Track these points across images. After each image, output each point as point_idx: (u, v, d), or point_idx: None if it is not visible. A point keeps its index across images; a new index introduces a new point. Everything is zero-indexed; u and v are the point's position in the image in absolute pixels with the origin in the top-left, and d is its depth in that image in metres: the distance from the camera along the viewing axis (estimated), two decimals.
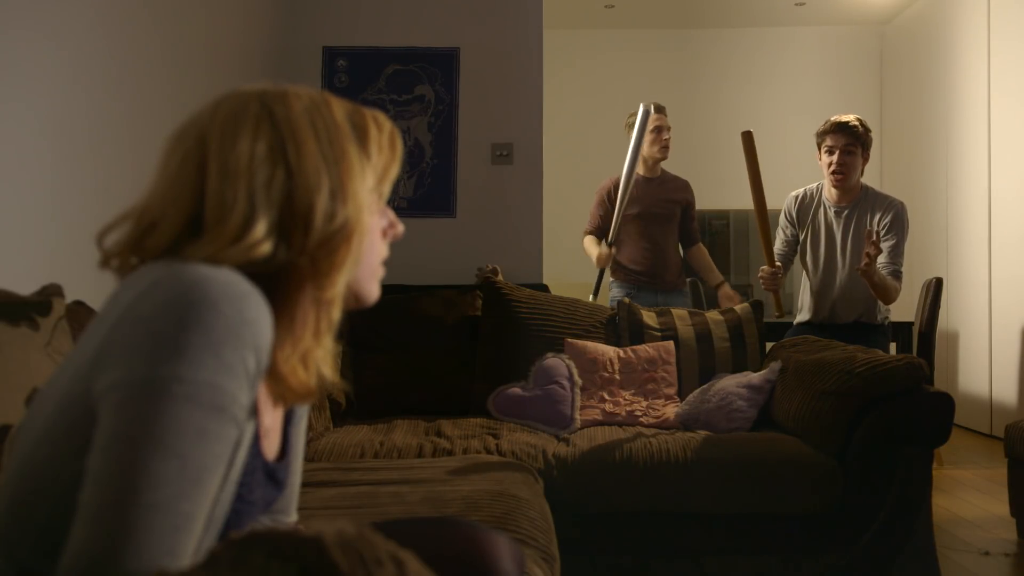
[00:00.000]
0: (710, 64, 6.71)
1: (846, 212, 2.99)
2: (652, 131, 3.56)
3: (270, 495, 0.87)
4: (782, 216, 3.17)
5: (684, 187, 3.75)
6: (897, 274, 2.90)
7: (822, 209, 3.05)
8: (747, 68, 6.69)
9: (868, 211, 2.96)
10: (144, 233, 0.76)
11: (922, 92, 5.77)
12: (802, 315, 3.15)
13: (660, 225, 3.63)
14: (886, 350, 3.06)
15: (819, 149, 3.02)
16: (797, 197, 3.12)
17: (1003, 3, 4.75)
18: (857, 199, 2.98)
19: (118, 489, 0.61)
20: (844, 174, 2.93)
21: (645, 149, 3.56)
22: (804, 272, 3.13)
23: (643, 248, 3.61)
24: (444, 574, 0.66)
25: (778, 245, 3.12)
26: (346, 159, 0.80)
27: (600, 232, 3.67)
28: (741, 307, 2.93)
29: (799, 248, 3.11)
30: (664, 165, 3.74)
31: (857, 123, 2.94)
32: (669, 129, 3.64)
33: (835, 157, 2.93)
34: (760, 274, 2.94)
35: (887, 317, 3.10)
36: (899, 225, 2.93)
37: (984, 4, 4.93)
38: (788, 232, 3.13)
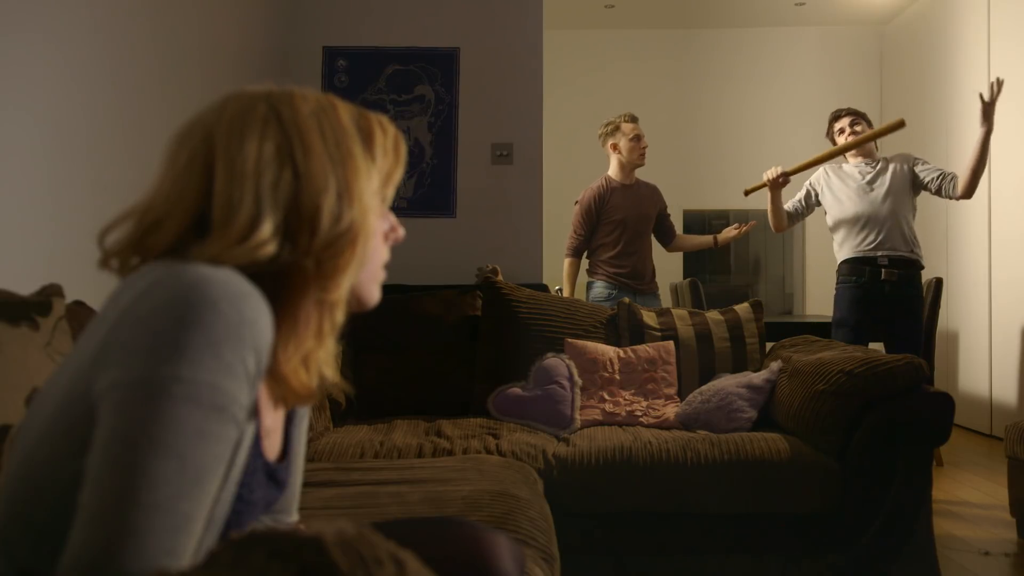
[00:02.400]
0: (710, 64, 6.71)
1: (873, 165, 3.43)
2: (631, 139, 3.71)
3: (271, 495, 0.87)
4: (807, 185, 3.59)
5: (656, 194, 3.89)
6: (948, 173, 3.35)
7: (850, 172, 3.45)
8: (747, 68, 6.69)
9: (889, 162, 3.42)
10: (146, 232, 0.76)
11: (922, 92, 5.77)
12: (846, 253, 3.41)
13: (639, 231, 3.75)
14: (921, 297, 3.40)
15: (834, 138, 3.56)
16: (822, 176, 3.54)
17: (1003, 3, 4.75)
18: (876, 159, 3.46)
19: (118, 489, 0.60)
20: (861, 143, 3.41)
21: (625, 156, 3.73)
22: (832, 230, 3.50)
23: (625, 252, 3.70)
24: (444, 574, 0.66)
25: (792, 202, 3.60)
26: (352, 161, 0.80)
27: (581, 252, 3.78)
28: (741, 307, 2.93)
29: (830, 207, 3.48)
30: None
31: (853, 108, 3.59)
32: (645, 136, 3.78)
33: (847, 131, 3.49)
34: (771, 170, 3.47)
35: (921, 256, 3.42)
36: (917, 158, 3.44)
37: (984, 4, 4.93)
38: (807, 198, 3.57)
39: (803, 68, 6.65)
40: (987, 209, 4.87)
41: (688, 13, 6.40)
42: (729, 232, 3.89)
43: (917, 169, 3.36)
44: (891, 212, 3.30)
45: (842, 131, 3.50)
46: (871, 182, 3.36)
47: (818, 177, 3.55)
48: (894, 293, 3.28)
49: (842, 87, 6.50)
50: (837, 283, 3.46)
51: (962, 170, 3.31)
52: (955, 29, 5.30)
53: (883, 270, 3.28)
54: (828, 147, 3.56)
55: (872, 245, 3.31)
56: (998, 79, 3.21)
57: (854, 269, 3.35)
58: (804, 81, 6.61)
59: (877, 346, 3.54)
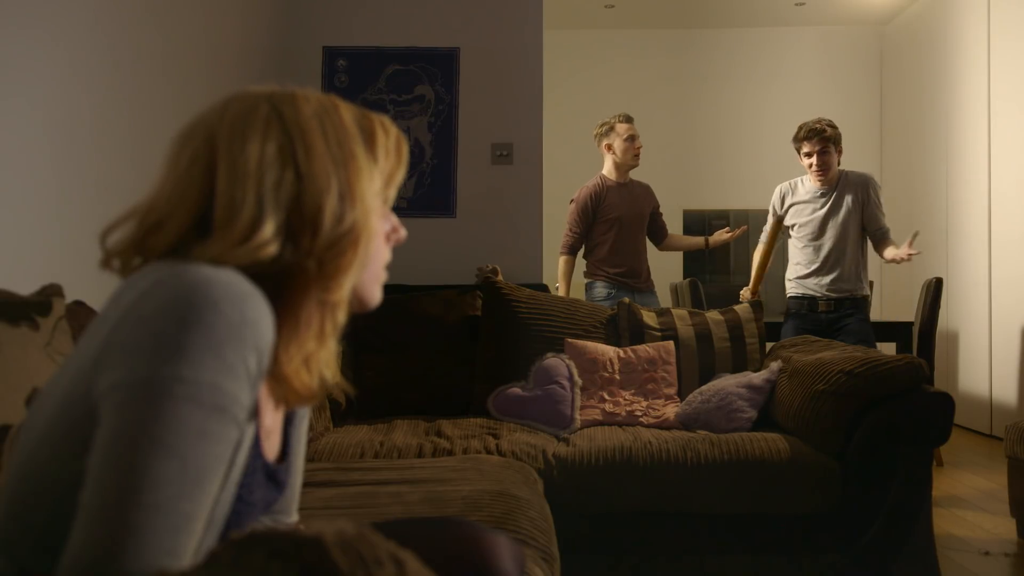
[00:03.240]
0: (710, 64, 6.70)
1: (829, 194, 3.45)
2: (626, 140, 3.75)
3: (270, 496, 0.87)
4: (771, 206, 3.66)
5: (649, 193, 3.93)
6: (886, 231, 3.44)
7: (807, 196, 3.50)
8: (747, 68, 6.69)
9: (844, 191, 3.43)
10: (148, 232, 0.76)
11: (922, 92, 5.77)
12: (793, 288, 3.54)
13: (634, 229, 3.79)
14: (868, 321, 3.50)
15: (798, 153, 3.50)
16: (782, 189, 3.61)
17: (1003, 3, 4.75)
18: (835, 183, 3.47)
19: (119, 489, 0.60)
20: (825, 172, 3.42)
21: (619, 157, 3.77)
22: (791, 253, 3.60)
23: (621, 250, 3.74)
24: (444, 574, 0.66)
25: (767, 229, 3.68)
26: (354, 162, 0.80)
27: (576, 250, 3.80)
28: (741, 307, 2.93)
29: (787, 230, 3.61)
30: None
31: (825, 127, 3.41)
32: (639, 137, 3.80)
33: (814, 159, 3.41)
34: (742, 298, 3.55)
35: (868, 294, 3.54)
36: (872, 194, 3.44)
37: (984, 4, 4.93)
38: (774, 219, 3.65)
39: (803, 68, 6.64)
40: (987, 209, 4.87)
41: (688, 13, 6.40)
42: (721, 235, 3.94)
43: (867, 212, 3.40)
44: (838, 258, 3.41)
45: (809, 155, 3.39)
46: (823, 225, 3.42)
47: (774, 205, 3.61)
48: (832, 315, 3.43)
49: (842, 87, 6.50)
50: (784, 313, 3.62)
51: (890, 250, 3.38)
52: (955, 29, 5.30)
53: (820, 303, 3.44)
54: (797, 159, 3.60)
55: (815, 285, 3.46)
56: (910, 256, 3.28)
57: (796, 304, 3.51)
58: (804, 81, 6.60)
59: (888, 347, 3.68)
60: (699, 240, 4.07)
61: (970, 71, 5.08)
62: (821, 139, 3.37)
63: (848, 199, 3.40)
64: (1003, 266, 4.70)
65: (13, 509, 0.70)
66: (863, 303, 3.47)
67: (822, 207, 3.43)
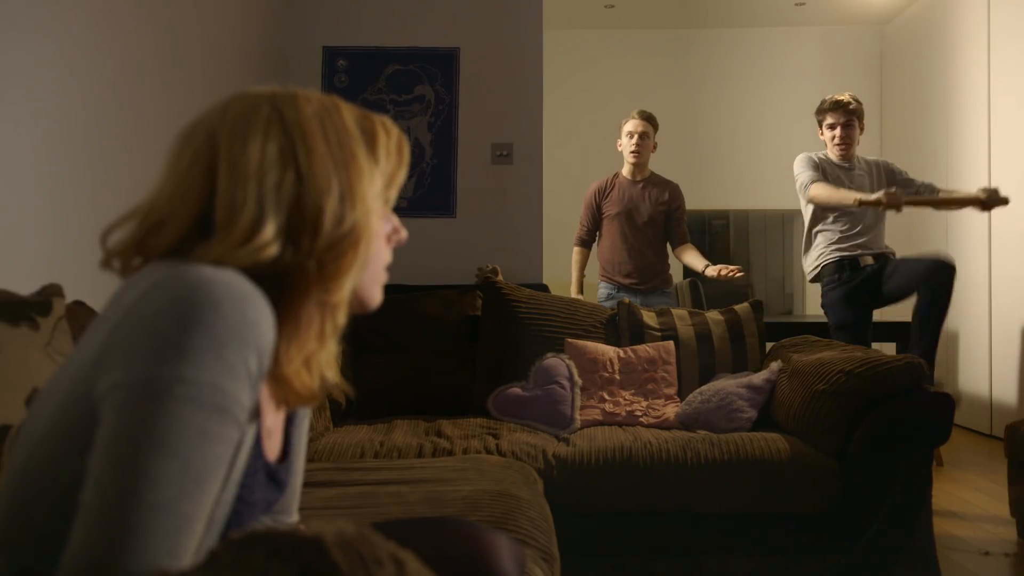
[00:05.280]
0: (710, 64, 6.71)
1: (855, 167, 3.43)
2: (625, 135, 3.69)
3: (271, 496, 0.87)
4: (812, 162, 3.44)
5: (670, 194, 3.73)
6: (928, 185, 3.44)
7: (839, 171, 3.44)
8: (747, 68, 6.69)
9: (871, 171, 3.43)
10: (149, 232, 0.76)
11: (922, 92, 5.77)
12: (828, 255, 3.43)
13: (639, 226, 3.65)
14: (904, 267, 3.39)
15: (820, 126, 3.46)
16: (817, 160, 3.44)
17: (1003, 3, 4.75)
18: (853, 161, 3.45)
19: (119, 490, 0.61)
20: (847, 145, 3.38)
21: (623, 153, 3.74)
22: (813, 229, 3.49)
23: (622, 249, 3.66)
24: (444, 574, 0.67)
25: (814, 175, 3.43)
26: (355, 163, 0.80)
27: (587, 243, 3.79)
28: (741, 307, 2.93)
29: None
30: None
31: (851, 99, 3.38)
32: (644, 135, 3.64)
33: (837, 132, 3.38)
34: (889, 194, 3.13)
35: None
36: (896, 168, 3.48)
37: (984, 4, 4.93)
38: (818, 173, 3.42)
39: (803, 68, 6.64)
40: None
41: (688, 13, 6.40)
42: (722, 269, 3.50)
43: (899, 181, 3.39)
44: (873, 222, 3.39)
45: (833, 127, 3.36)
46: (858, 188, 3.38)
47: (814, 160, 3.44)
48: (875, 266, 3.36)
49: (842, 87, 6.47)
50: (824, 287, 3.46)
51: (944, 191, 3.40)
52: (955, 29, 5.30)
53: (860, 259, 3.36)
54: (820, 144, 3.55)
55: (857, 251, 3.38)
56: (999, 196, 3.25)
57: (837, 268, 3.39)
58: (804, 81, 6.61)
59: (888, 347, 3.67)
60: (700, 265, 3.66)
61: (970, 71, 5.08)
62: (846, 111, 3.34)
63: (874, 175, 3.41)
64: (1003, 266, 4.70)
65: (13, 509, 0.70)
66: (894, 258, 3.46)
67: (852, 180, 3.38)
